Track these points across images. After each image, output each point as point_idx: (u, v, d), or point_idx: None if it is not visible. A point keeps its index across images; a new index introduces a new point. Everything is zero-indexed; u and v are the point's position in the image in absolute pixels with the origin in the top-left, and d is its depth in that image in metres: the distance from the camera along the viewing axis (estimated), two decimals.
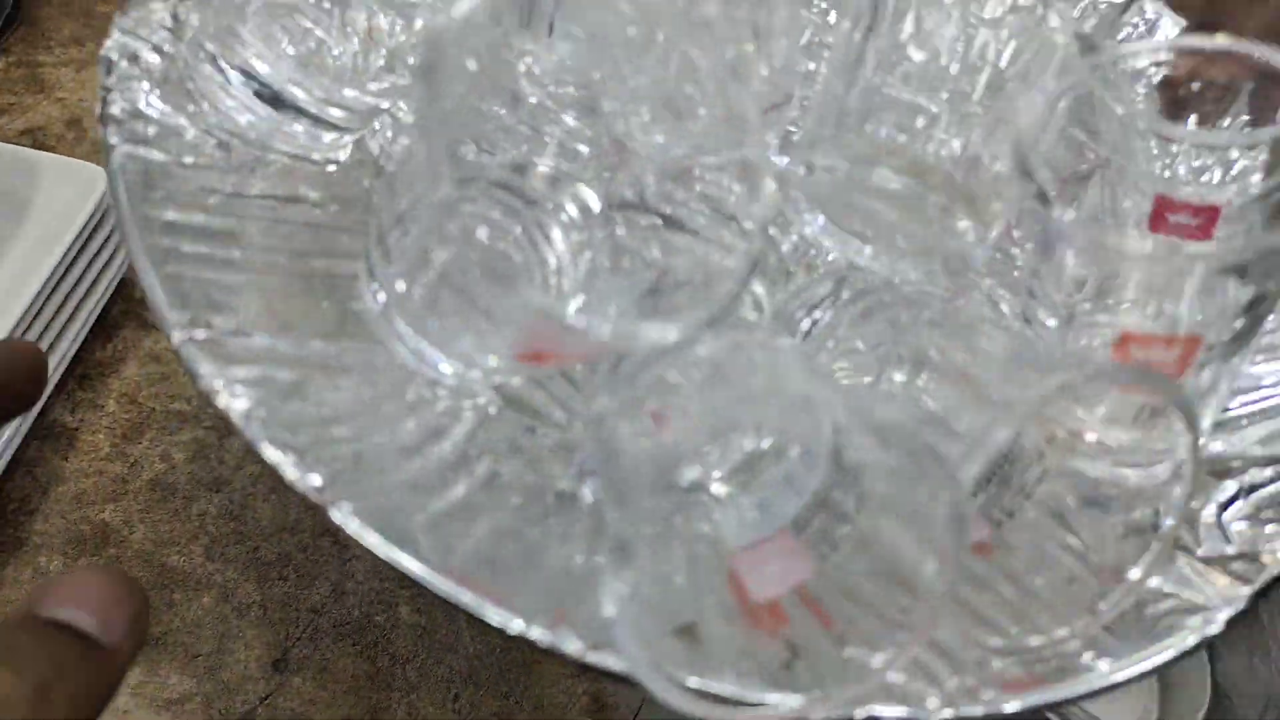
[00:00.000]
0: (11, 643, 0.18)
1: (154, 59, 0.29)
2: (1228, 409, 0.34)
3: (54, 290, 0.52)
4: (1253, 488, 0.31)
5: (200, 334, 0.25)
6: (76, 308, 0.54)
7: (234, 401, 0.24)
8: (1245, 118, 0.33)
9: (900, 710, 0.21)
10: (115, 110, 0.28)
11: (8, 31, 0.72)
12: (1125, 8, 0.42)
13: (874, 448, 0.20)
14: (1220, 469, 0.32)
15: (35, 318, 0.50)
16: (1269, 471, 0.31)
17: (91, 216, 0.53)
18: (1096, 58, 0.32)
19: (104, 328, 0.58)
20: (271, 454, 0.23)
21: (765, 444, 0.21)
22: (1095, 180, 0.34)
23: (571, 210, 0.28)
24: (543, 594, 0.22)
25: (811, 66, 0.37)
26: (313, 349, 0.27)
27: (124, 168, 0.27)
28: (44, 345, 0.51)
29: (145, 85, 0.29)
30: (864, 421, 0.19)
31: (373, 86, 0.30)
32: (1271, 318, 0.31)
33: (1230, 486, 0.31)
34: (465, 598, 0.21)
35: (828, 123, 0.35)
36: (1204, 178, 0.36)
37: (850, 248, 0.32)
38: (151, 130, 0.29)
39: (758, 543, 0.20)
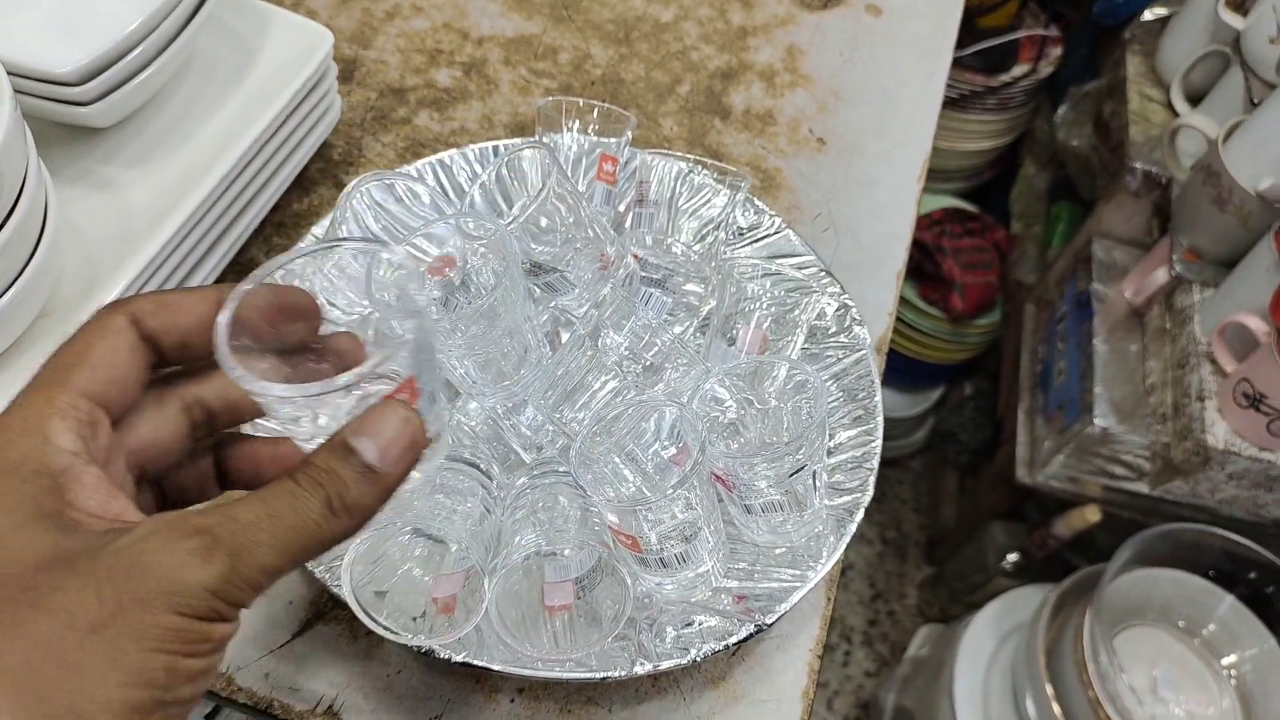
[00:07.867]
0: (320, 464, 0.25)
1: None
2: None
3: (269, 140, 0.54)
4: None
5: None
6: (284, 160, 0.56)
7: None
8: None
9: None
10: None
11: None
12: None
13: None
14: None
15: (247, 166, 0.53)
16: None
17: (311, 76, 0.55)
18: None
19: (302, 183, 0.60)
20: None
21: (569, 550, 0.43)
22: None
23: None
24: None
25: None
26: None
27: None
28: (250, 193, 0.54)
29: None
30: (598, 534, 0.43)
31: None
32: None
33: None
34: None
35: None
36: None
37: None
38: None
39: (557, 583, 0.42)
